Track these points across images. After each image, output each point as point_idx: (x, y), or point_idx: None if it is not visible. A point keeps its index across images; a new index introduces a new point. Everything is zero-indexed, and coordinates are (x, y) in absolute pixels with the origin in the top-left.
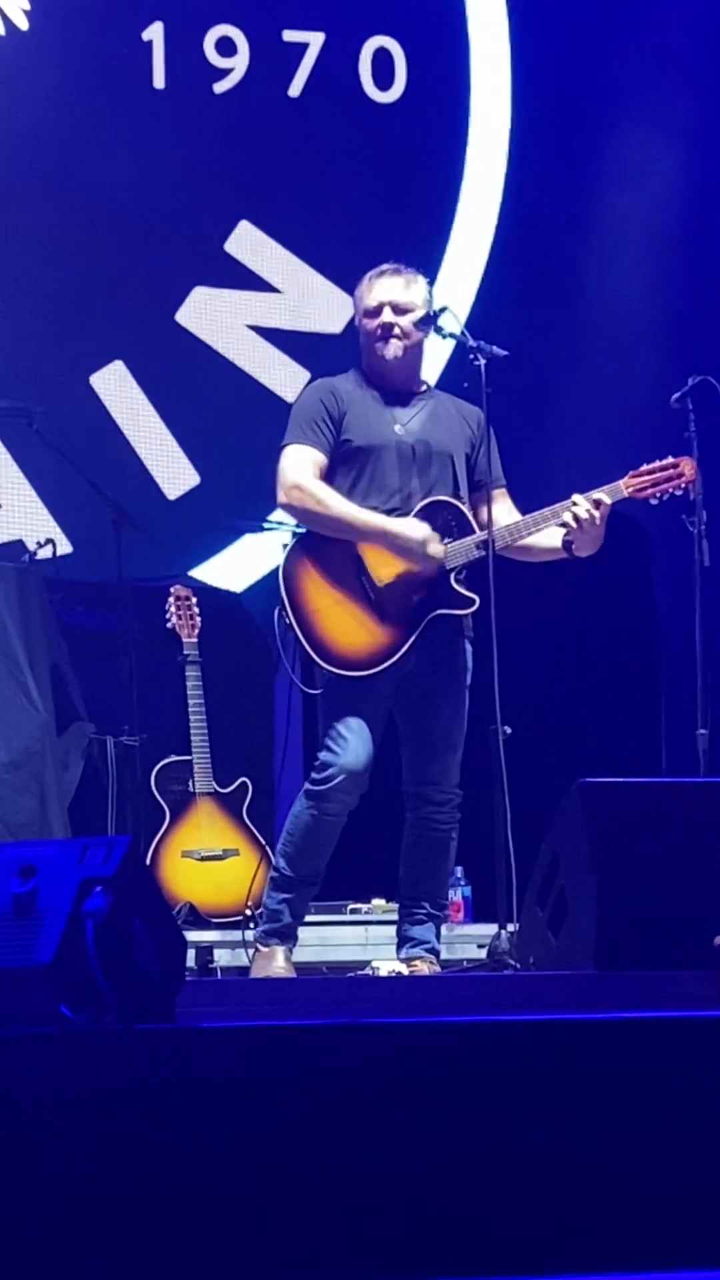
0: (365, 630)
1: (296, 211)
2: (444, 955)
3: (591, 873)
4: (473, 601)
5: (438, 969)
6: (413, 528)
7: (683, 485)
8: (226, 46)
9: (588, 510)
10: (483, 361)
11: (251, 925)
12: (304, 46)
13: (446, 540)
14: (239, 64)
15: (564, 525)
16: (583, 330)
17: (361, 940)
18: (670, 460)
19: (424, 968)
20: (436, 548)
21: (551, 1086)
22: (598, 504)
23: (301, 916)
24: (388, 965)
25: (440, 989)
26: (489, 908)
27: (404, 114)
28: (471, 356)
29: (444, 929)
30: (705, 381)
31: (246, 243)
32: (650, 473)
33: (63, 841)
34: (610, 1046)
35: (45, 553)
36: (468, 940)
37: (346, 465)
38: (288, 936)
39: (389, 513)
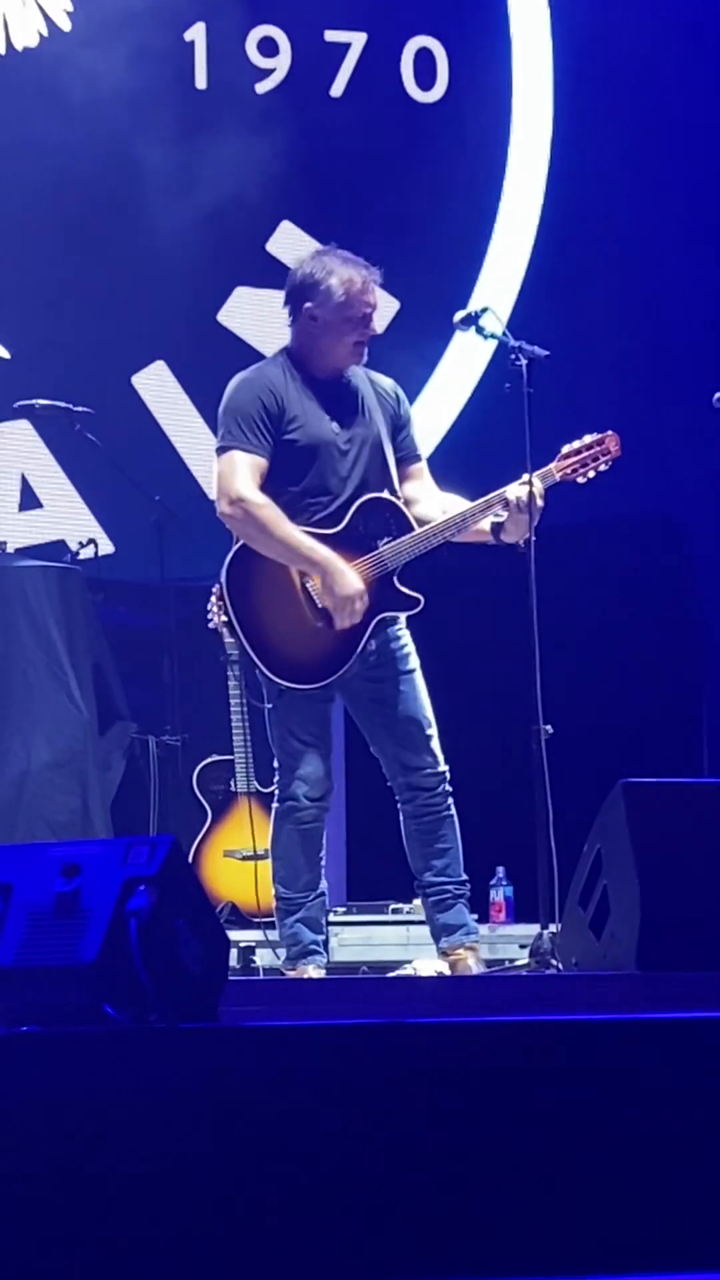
0: (313, 640)
1: (338, 212)
2: (486, 955)
3: (634, 873)
4: (417, 602)
5: (481, 953)
6: (348, 583)
7: (609, 461)
8: (268, 47)
9: (530, 492)
10: (524, 362)
11: None
12: (346, 46)
13: (386, 539)
14: (281, 64)
15: (502, 510)
16: (624, 331)
17: (403, 940)
18: (596, 436)
19: (468, 955)
20: (360, 606)
21: (594, 1087)
22: (533, 492)
23: (320, 929)
24: (429, 966)
25: (482, 989)
26: (531, 908)
27: (446, 114)
28: (513, 357)
29: (487, 929)
30: None
31: (288, 243)
32: (576, 452)
33: (106, 841)
34: (653, 1047)
35: (87, 553)
36: (510, 940)
37: (288, 466)
38: (313, 954)
39: (330, 516)
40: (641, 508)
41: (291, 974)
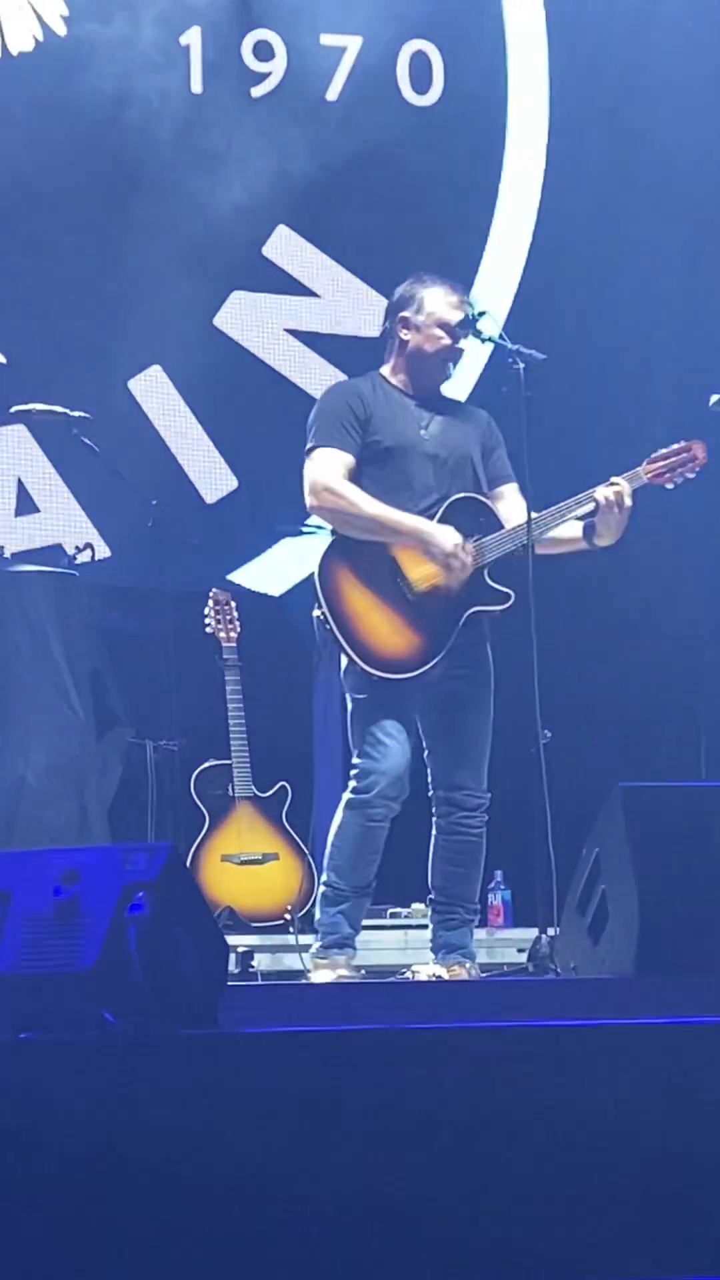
0: (404, 632)
1: (334, 216)
2: (484, 959)
3: (632, 877)
4: (508, 597)
5: (477, 973)
6: (446, 535)
7: (696, 468)
8: (264, 51)
9: (616, 492)
10: (522, 366)
11: (291, 929)
12: (341, 50)
13: (476, 536)
14: (276, 68)
15: (587, 514)
16: (620, 335)
17: (401, 944)
18: (683, 444)
19: (463, 973)
20: (467, 557)
21: (592, 1091)
22: (620, 491)
23: (358, 926)
24: (427, 969)
25: (480, 994)
26: (529, 912)
27: (441, 117)
28: (511, 360)
29: (485, 933)
30: None
31: (284, 247)
32: (665, 457)
33: (105, 847)
34: (652, 1051)
35: (84, 557)
36: (508, 944)
37: (376, 466)
38: (346, 946)
39: (420, 514)
40: (638, 511)
41: (322, 964)
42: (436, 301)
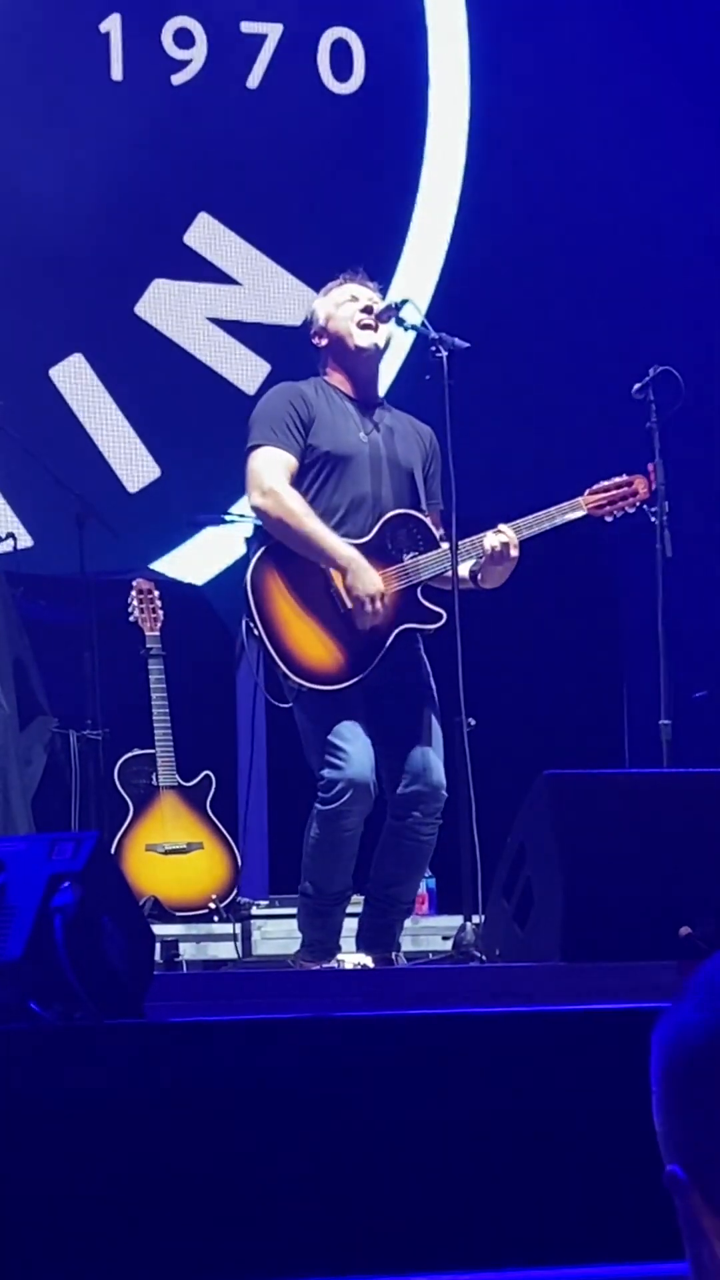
0: (333, 643)
1: (255, 203)
2: (409, 947)
3: (557, 864)
4: (440, 616)
5: (402, 961)
6: (371, 582)
7: (636, 503)
8: (184, 38)
9: (502, 542)
10: (445, 354)
11: (216, 919)
12: (262, 38)
13: (411, 554)
14: (197, 55)
15: (480, 555)
16: (544, 322)
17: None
18: (625, 478)
19: (389, 963)
20: (377, 612)
21: (518, 1078)
22: (506, 542)
23: (341, 927)
24: (353, 959)
25: (406, 981)
26: (454, 899)
27: (362, 105)
28: (433, 349)
29: (409, 921)
30: (666, 372)
31: (205, 235)
32: (605, 490)
33: (31, 837)
34: (577, 1037)
35: (6, 547)
36: (432, 932)
37: (314, 470)
38: (333, 950)
39: (358, 527)
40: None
41: (309, 964)
42: (331, 305)
